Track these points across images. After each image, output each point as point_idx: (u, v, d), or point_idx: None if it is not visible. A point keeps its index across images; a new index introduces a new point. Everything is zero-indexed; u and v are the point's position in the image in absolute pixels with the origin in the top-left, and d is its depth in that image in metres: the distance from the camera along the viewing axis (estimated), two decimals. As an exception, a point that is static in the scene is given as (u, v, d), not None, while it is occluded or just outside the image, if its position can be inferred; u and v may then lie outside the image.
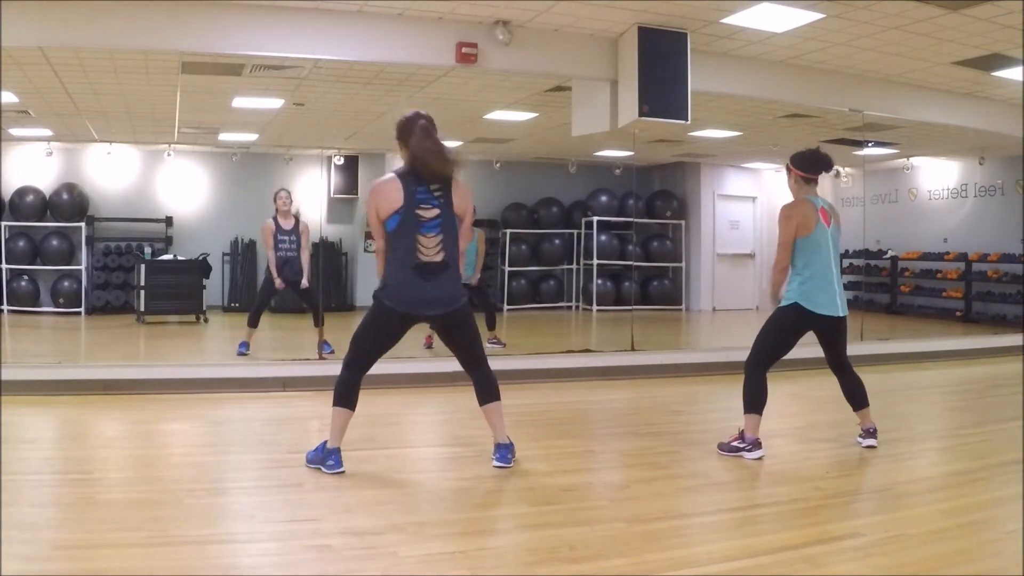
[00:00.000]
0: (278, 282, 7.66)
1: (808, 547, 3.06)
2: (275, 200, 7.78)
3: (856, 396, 4.69)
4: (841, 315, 4.48)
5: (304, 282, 7.77)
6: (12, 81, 7.95)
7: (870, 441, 4.65)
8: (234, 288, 12.72)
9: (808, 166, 4.53)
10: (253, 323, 7.73)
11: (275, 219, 7.73)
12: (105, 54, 7.10)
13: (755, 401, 4.46)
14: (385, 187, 3.87)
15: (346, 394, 3.95)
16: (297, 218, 7.83)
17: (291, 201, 7.81)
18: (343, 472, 3.88)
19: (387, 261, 3.91)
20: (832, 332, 4.55)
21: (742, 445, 4.41)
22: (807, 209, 4.46)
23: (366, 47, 6.69)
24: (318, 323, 7.69)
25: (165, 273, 10.81)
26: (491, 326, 8.54)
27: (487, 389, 4.13)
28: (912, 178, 13.71)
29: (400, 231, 3.84)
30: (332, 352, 7.25)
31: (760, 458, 4.34)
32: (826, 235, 4.48)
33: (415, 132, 3.91)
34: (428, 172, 3.87)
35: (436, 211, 3.87)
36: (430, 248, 3.85)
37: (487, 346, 8.17)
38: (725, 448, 4.47)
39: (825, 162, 4.55)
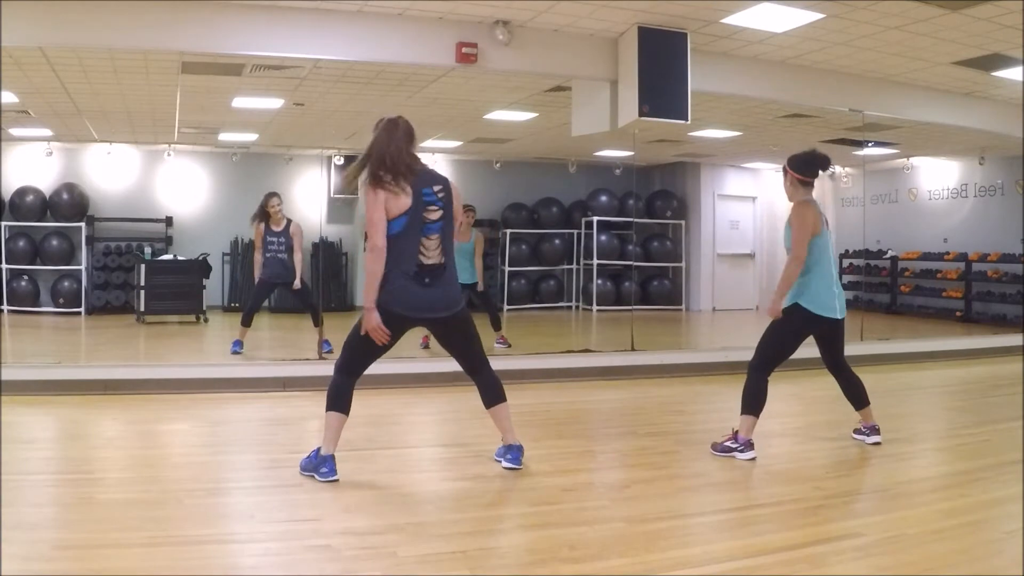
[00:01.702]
0: (257, 276, 7.84)
1: (808, 547, 3.06)
2: (266, 207, 7.77)
3: (857, 395, 4.72)
4: (840, 318, 4.49)
5: (296, 283, 7.81)
6: (12, 81, 7.94)
7: (875, 438, 4.69)
8: (234, 288, 12.71)
9: (805, 168, 4.52)
10: (246, 322, 7.77)
11: (266, 222, 7.77)
12: (105, 54, 7.10)
13: (753, 403, 4.46)
14: (394, 191, 3.76)
15: (339, 399, 3.89)
16: (289, 220, 7.85)
17: (281, 206, 7.83)
18: (336, 480, 3.80)
19: (388, 265, 3.77)
20: (830, 335, 4.58)
21: (735, 445, 4.41)
22: (816, 210, 4.48)
23: (366, 47, 6.68)
24: (317, 323, 7.72)
25: (165, 273, 10.81)
26: (496, 327, 8.52)
27: (493, 391, 4.11)
28: (912, 178, 13.71)
29: (405, 233, 3.77)
30: (331, 351, 7.26)
31: (752, 459, 4.34)
32: (827, 238, 4.50)
33: (395, 137, 3.82)
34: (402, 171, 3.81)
35: (440, 212, 3.85)
36: (431, 250, 3.83)
37: (494, 346, 8.20)
38: (718, 448, 4.47)
39: (822, 162, 4.54)
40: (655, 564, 2.89)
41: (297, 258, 7.80)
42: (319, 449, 3.90)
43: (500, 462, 4.15)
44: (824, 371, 4.83)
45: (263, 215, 7.76)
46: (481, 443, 4.56)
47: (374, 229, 3.74)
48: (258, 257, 7.80)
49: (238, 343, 7.66)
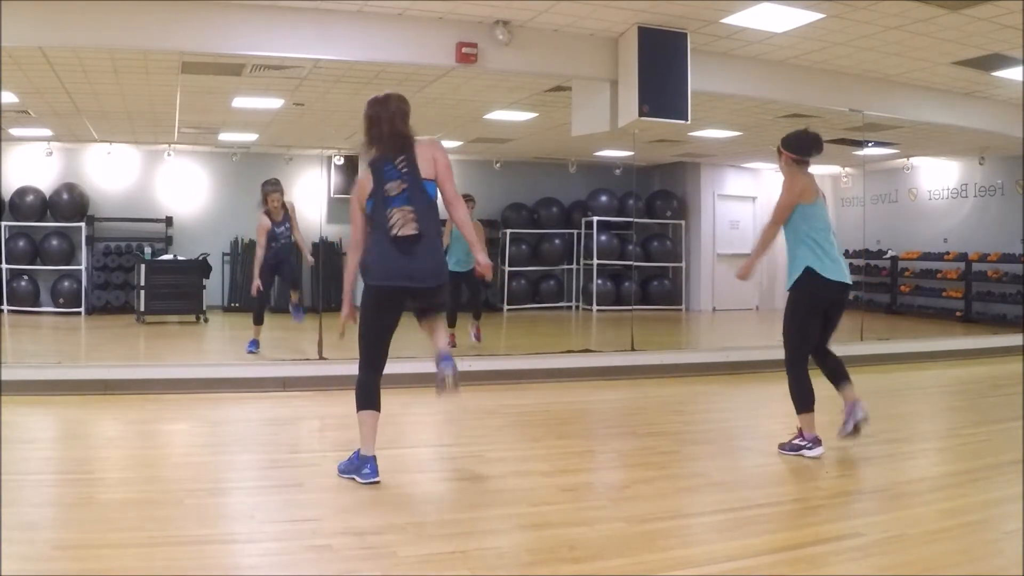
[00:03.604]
0: (256, 284, 7.60)
1: (808, 547, 3.06)
2: (266, 201, 7.63)
3: (838, 373, 4.58)
4: (849, 283, 4.44)
5: (308, 258, 7.81)
6: (12, 81, 7.94)
7: (859, 414, 4.50)
8: (234, 288, 12.72)
9: (800, 148, 4.50)
10: (258, 320, 7.77)
11: (267, 213, 7.65)
12: (105, 54, 7.10)
13: (803, 400, 4.43)
14: (361, 179, 3.89)
15: (366, 396, 3.88)
16: (285, 206, 7.74)
17: (282, 199, 7.71)
18: (378, 482, 3.78)
19: (368, 240, 3.87)
20: (837, 305, 4.50)
21: (803, 443, 4.40)
22: (809, 179, 4.46)
23: (366, 47, 6.69)
24: (296, 287, 7.78)
25: (165, 273, 10.81)
26: (476, 317, 8.50)
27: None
28: (912, 178, 13.71)
29: (375, 212, 3.82)
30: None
31: (820, 455, 4.33)
32: (825, 208, 4.49)
33: (374, 104, 3.89)
34: (387, 135, 3.83)
35: (402, 184, 3.78)
36: (398, 222, 3.75)
37: (469, 336, 8.20)
38: (787, 448, 4.46)
39: (817, 144, 4.51)
40: (655, 564, 2.89)
41: (298, 235, 7.79)
42: (358, 451, 3.88)
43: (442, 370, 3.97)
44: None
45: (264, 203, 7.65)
46: (481, 443, 4.56)
47: (353, 218, 3.93)
48: (260, 253, 7.62)
49: (254, 343, 7.64)
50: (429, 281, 3.82)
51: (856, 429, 4.48)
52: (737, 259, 14.40)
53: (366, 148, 3.89)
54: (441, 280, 3.88)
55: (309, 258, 7.81)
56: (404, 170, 3.79)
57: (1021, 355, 8.41)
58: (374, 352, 3.90)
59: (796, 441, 4.45)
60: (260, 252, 7.62)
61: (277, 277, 8.11)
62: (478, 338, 8.34)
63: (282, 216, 7.72)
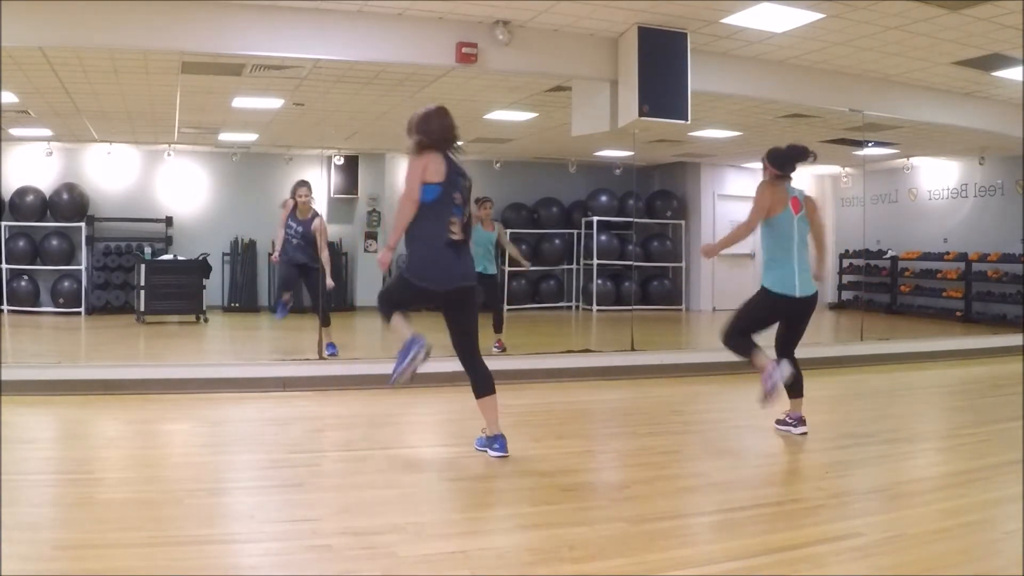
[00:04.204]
0: (274, 256, 7.74)
1: (808, 547, 3.06)
2: (294, 196, 7.60)
3: (795, 386, 4.82)
4: (799, 296, 4.61)
5: (329, 281, 7.69)
6: (12, 81, 7.94)
7: (801, 429, 4.82)
8: (234, 288, 12.72)
9: (782, 164, 4.73)
10: (284, 290, 7.97)
11: (293, 208, 7.61)
12: (105, 54, 7.10)
13: (743, 348, 4.70)
14: (432, 164, 4.13)
15: (389, 301, 4.28)
16: (316, 214, 7.66)
17: (310, 197, 7.63)
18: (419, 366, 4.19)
19: (420, 238, 4.17)
20: (797, 314, 4.73)
21: (790, 423, 4.74)
22: (779, 191, 4.71)
23: (366, 47, 6.69)
24: (324, 323, 7.63)
25: (165, 273, 10.80)
26: (497, 328, 8.42)
27: (482, 383, 4.33)
28: (912, 178, 13.71)
29: (436, 207, 4.14)
30: (334, 354, 7.25)
31: (804, 433, 4.64)
32: (791, 221, 4.69)
33: (432, 117, 4.20)
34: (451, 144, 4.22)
35: (462, 199, 4.26)
36: (457, 229, 4.20)
37: (492, 349, 8.12)
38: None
39: (800, 155, 4.73)
40: (655, 564, 2.89)
41: (324, 256, 7.60)
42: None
43: (486, 452, 4.31)
44: (823, 371, 4.85)
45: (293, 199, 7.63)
46: (481, 443, 4.55)
47: (410, 185, 4.14)
48: (280, 232, 7.66)
49: (282, 305, 7.94)
50: (463, 281, 4.22)
51: (803, 433, 4.78)
52: (737, 259, 14.44)
53: (439, 144, 4.17)
54: (471, 281, 4.29)
55: (330, 281, 7.76)
56: (466, 187, 4.29)
57: (1021, 355, 8.42)
58: (400, 308, 4.30)
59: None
60: (280, 232, 7.68)
61: (304, 286, 8.03)
62: (503, 349, 8.21)
63: (309, 216, 7.59)
